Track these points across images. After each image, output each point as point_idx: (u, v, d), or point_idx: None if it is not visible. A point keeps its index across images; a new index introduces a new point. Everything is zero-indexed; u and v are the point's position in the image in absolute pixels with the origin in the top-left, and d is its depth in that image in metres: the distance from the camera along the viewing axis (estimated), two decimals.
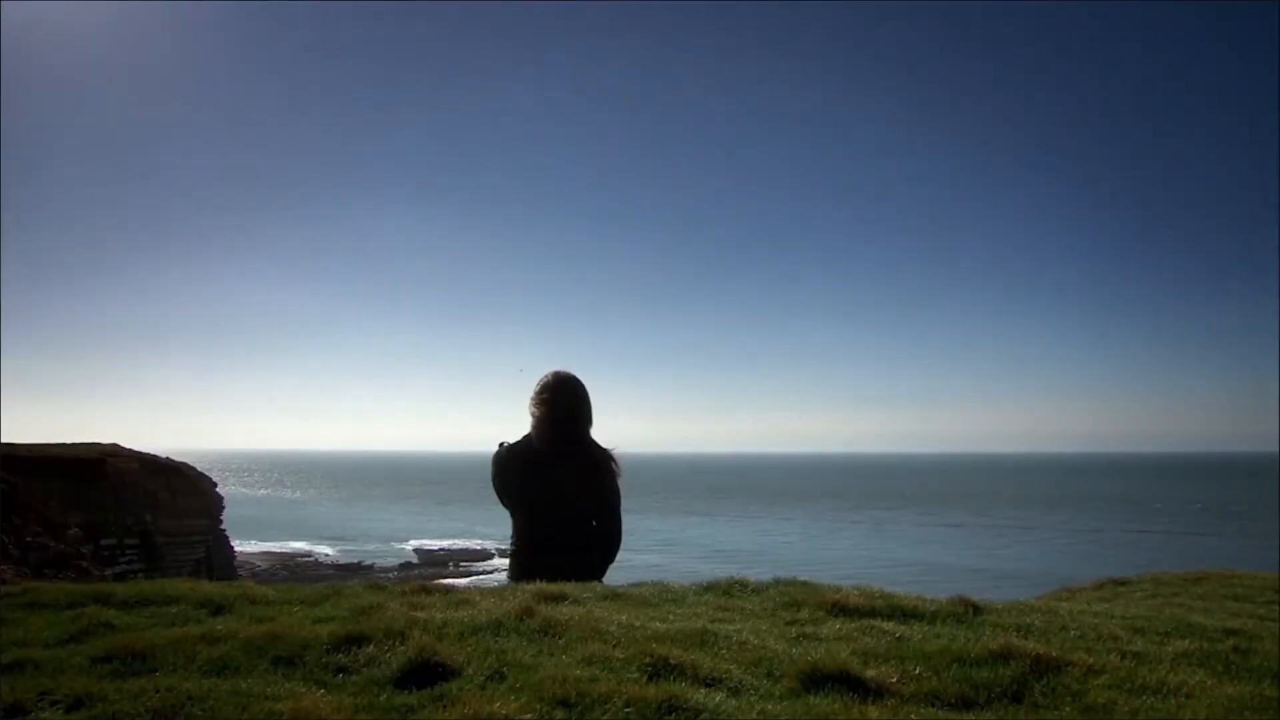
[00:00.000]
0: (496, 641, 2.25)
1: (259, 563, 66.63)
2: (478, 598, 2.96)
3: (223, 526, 40.45)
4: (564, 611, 2.61)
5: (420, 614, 2.48)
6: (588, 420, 4.56)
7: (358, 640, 2.19)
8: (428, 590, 3.04)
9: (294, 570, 67.76)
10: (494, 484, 4.48)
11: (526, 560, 4.36)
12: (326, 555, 79.57)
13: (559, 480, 4.35)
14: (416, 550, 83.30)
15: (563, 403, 4.45)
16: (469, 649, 2.15)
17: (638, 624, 2.60)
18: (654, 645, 2.26)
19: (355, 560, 75.62)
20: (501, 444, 4.47)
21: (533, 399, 4.53)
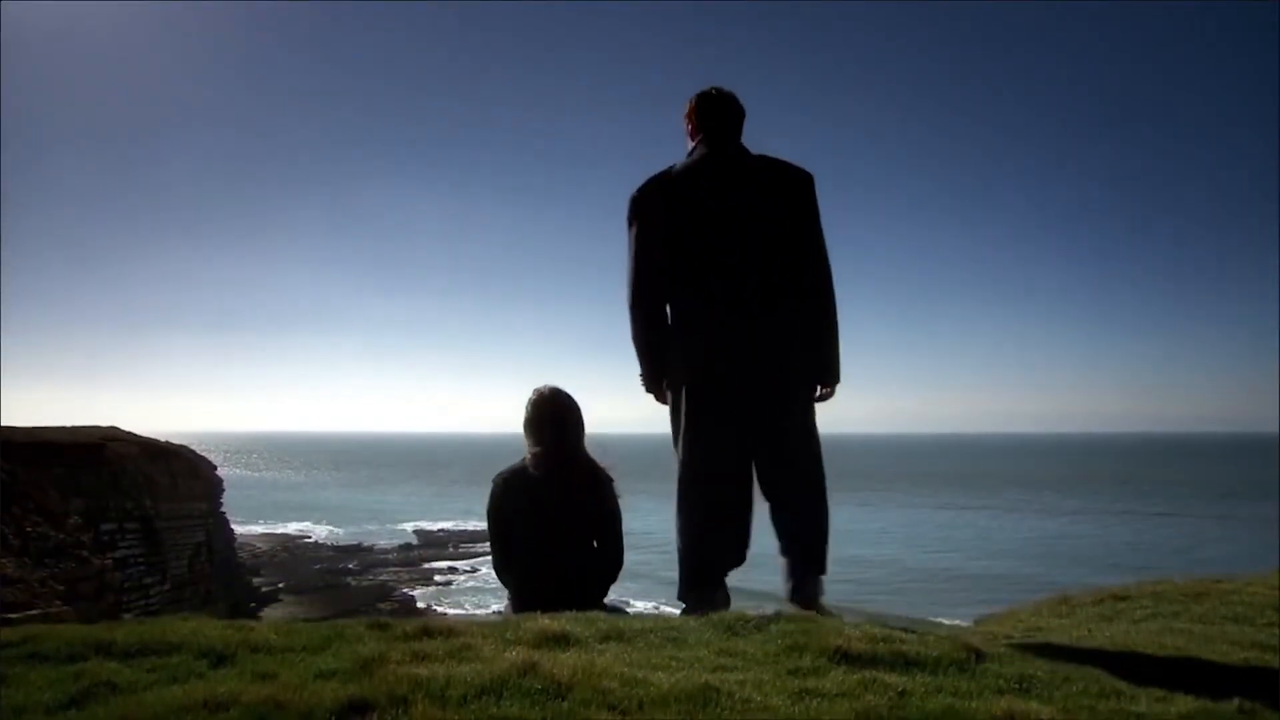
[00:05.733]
0: (499, 708, 2.24)
1: (259, 544, 66.90)
2: (480, 642, 2.95)
3: (223, 509, 40.51)
4: (565, 664, 2.60)
5: (422, 670, 2.47)
6: (580, 436, 4.58)
7: (361, 708, 2.18)
8: (429, 632, 3.03)
9: (294, 551, 68.05)
10: (489, 515, 4.49)
11: (527, 588, 4.37)
12: (326, 536, 79.86)
13: (558, 505, 4.36)
14: (416, 531, 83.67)
15: (553, 429, 4.47)
16: (473, 718, 2.15)
17: (639, 676, 2.59)
18: (656, 713, 2.26)
19: (355, 541, 75.95)
20: (498, 475, 4.48)
21: (523, 423, 4.54)
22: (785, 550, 4.07)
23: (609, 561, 4.49)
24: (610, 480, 4.52)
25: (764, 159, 3.96)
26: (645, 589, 51.73)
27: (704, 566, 4.16)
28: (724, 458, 4.05)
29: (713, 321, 3.90)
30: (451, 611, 54.23)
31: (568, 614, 3.68)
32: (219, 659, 2.67)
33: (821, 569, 4.05)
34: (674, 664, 2.83)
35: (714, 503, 4.08)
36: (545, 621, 3.31)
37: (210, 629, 3.00)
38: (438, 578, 64.79)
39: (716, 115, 3.97)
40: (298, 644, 2.87)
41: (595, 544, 4.48)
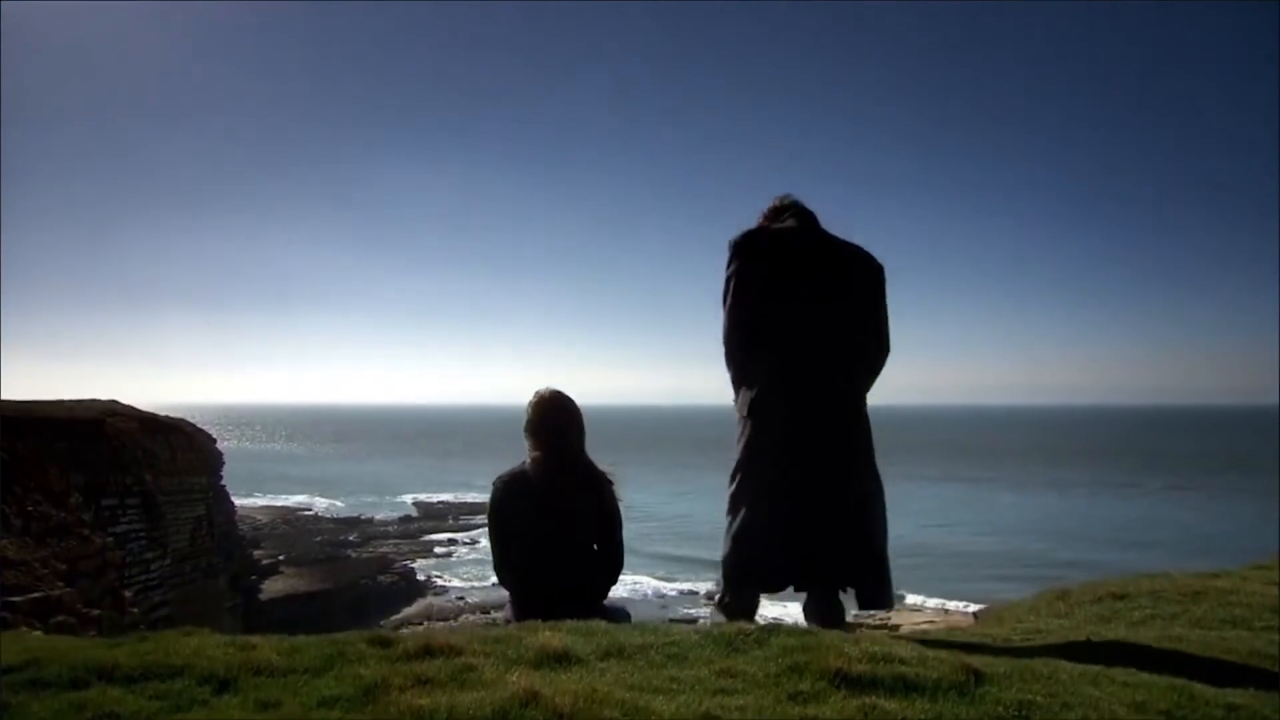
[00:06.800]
0: None
1: (259, 517, 67.14)
2: (482, 661, 2.96)
3: (223, 482, 40.56)
4: (567, 690, 2.61)
5: (424, 700, 2.48)
6: (580, 439, 4.61)
7: None
8: (431, 651, 3.04)
9: (294, 524, 68.37)
10: (489, 517, 4.52)
11: (528, 591, 4.40)
12: (326, 508, 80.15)
13: (558, 509, 4.38)
14: (416, 503, 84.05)
15: (553, 433, 4.49)
16: None
17: (640, 703, 2.61)
18: None
19: (355, 514, 76.32)
20: (499, 478, 4.49)
21: (524, 426, 4.56)
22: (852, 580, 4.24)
23: (609, 564, 4.51)
24: (610, 483, 4.54)
25: (861, 255, 4.37)
26: (642, 564, 52.17)
27: (746, 564, 4.23)
28: (786, 461, 4.19)
29: (786, 369, 4.26)
30: (453, 584, 54.58)
31: (568, 624, 3.70)
32: (222, 684, 2.68)
33: (889, 603, 4.34)
34: (674, 686, 2.84)
35: (767, 497, 4.19)
36: (546, 636, 3.32)
37: (212, 648, 3.01)
38: (438, 549, 65.16)
39: (798, 207, 4.45)
40: (300, 665, 2.87)
41: (595, 546, 4.50)
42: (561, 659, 3.08)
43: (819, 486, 4.15)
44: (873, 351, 4.35)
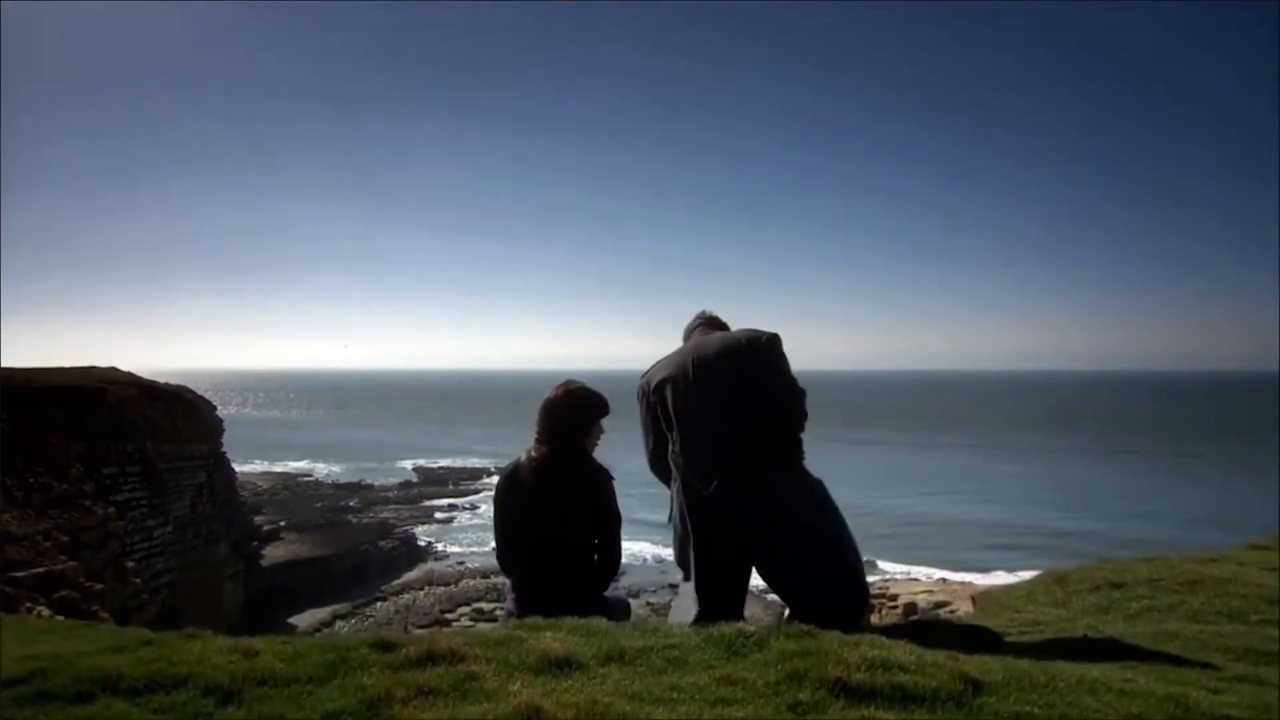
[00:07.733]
0: None
1: (260, 483, 67.46)
2: (484, 668, 2.98)
3: (224, 449, 40.77)
4: (568, 701, 2.64)
5: (426, 715, 2.50)
6: (584, 436, 4.62)
7: None
8: (433, 657, 3.06)
9: (295, 490, 68.71)
10: (494, 508, 4.55)
11: (529, 584, 4.43)
12: (327, 474, 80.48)
13: (560, 504, 4.41)
14: (416, 469, 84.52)
15: (553, 432, 4.52)
16: None
17: (641, 716, 2.63)
18: None
19: (356, 479, 76.71)
20: (505, 469, 4.54)
21: (537, 419, 4.59)
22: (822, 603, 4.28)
23: (608, 558, 4.54)
24: (610, 478, 4.56)
25: (730, 347, 4.60)
26: (641, 530, 52.28)
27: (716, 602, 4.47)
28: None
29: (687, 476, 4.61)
30: (453, 549, 54.93)
31: (569, 623, 3.72)
32: (226, 696, 2.70)
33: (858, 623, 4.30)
34: (675, 695, 2.86)
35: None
36: (548, 640, 3.34)
37: (215, 654, 3.03)
38: (438, 515, 65.44)
39: (704, 325, 4.90)
40: (302, 674, 2.89)
41: (597, 542, 4.52)
42: (563, 665, 3.09)
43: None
44: (775, 414, 4.49)
